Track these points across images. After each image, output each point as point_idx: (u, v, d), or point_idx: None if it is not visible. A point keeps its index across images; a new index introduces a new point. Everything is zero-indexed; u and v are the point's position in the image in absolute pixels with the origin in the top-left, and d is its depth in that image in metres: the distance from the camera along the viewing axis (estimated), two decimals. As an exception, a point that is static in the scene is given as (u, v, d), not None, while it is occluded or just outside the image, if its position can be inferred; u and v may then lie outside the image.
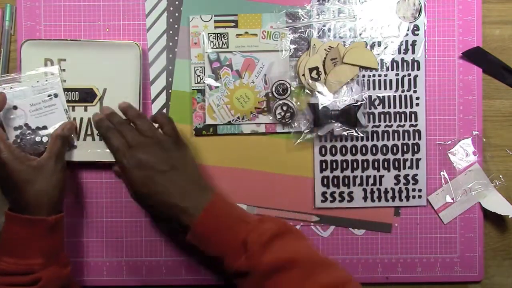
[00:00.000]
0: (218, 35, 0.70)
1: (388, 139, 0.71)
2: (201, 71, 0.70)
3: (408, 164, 0.71)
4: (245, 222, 0.57)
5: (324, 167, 0.71)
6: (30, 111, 0.67)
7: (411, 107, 0.71)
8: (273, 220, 0.59)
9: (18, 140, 0.66)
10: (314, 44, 0.70)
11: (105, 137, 0.64)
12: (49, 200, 0.59)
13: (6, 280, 0.55)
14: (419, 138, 0.71)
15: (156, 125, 0.65)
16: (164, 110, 0.71)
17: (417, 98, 0.71)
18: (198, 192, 0.60)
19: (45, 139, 0.67)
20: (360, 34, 0.71)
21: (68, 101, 0.69)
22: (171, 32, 0.71)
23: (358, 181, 0.71)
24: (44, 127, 0.67)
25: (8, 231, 0.58)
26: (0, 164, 0.58)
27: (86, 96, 0.69)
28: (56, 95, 0.68)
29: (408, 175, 0.71)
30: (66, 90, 0.69)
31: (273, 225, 0.57)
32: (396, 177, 0.71)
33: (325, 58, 0.70)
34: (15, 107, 0.67)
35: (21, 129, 0.67)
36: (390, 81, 0.71)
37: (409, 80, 0.71)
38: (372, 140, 0.71)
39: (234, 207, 0.60)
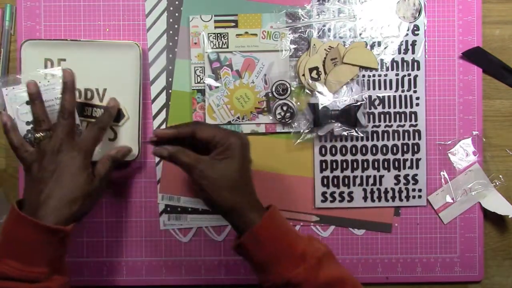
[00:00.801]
0: (218, 35, 0.70)
1: (388, 139, 0.71)
2: (201, 71, 0.70)
3: (408, 164, 0.71)
4: (300, 236, 0.58)
5: (324, 167, 0.71)
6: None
7: (411, 107, 0.71)
8: (319, 240, 0.61)
9: (29, 135, 0.67)
10: (314, 44, 0.70)
11: (174, 156, 0.58)
12: (76, 211, 0.57)
13: (8, 285, 0.51)
14: (419, 138, 0.71)
15: None
16: (164, 110, 0.71)
17: (417, 98, 0.71)
18: (256, 196, 0.60)
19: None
20: (360, 34, 0.71)
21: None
22: (171, 32, 0.71)
23: (358, 181, 0.71)
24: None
25: (17, 233, 0.53)
26: (72, 157, 0.58)
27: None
28: None
29: (408, 175, 0.71)
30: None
31: (322, 245, 0.58)
32: (396, 177, 0.71)
33: (325, 58, 0.70)
34: (27, 103, 0.67)
35: (33, 124, 0.67)
36: (390, 81, 0.71)
37: (409, 80, 0.71)
38: (372, 140, 0.71)
39: (287, 221, 0.60)
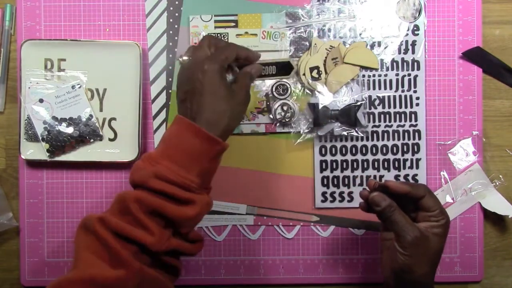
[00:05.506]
0: (218, 35, 0.70)
1: (388, 139, 0.71)
2: (201, 71, 0.70)
3: (408, 164, 0.71)
4: None
5: (324, 167, 0.71)
6: (56, 103, 0.69)
7: (411, 107, 0.71)
8: None
9: (46, 132, 0.68)
10: (315, 44, 0.70)
11: (390, 211, 0.56)
12: (226, 125, 0.54)
13: (164, 187, 0.50)
14: (419, 138, 0.71)
15: None
16: (164, 110, 0.71)
17: (417, 98, 0.71)
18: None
19: (70, 130, 0.68)
20: (360, 34, 0.71)
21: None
22: (171, 32, 0.71)
23: (358, 181, 0.71)
24: (70, 118, 0.69)
25: (182, 138, 0.52)
26: (204, 71, 0.53)
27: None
28: (80, 86, 0.69)
29: (408, 175, 0.71)
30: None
31: None
32: (396, 177, 0.71)
33: (326, 57, 0.70)
34: (41, 100, 0.68)
35: (49, 121, 0.68)
36: (390, 81, 0.71)
37: (409, 80, 0.71)
38: (372, 140, 0.71)
39: None
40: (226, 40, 0.70)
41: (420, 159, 0.71)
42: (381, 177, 0.71)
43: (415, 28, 0.71)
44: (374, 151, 0.71)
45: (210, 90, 0.53)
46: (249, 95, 0.58)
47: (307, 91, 0.70)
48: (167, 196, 0.50)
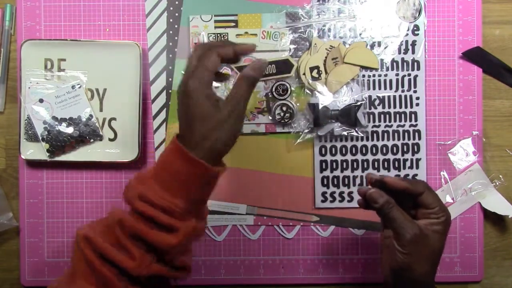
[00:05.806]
0: (218, 35, 0.70)
1: (388, 139, 0.71)
2: (201, 71, 0.70)
3: (408, 164, 0.71)
4: None
5: (324, 167, 0.71)
6: (56, 103, 0.69)
7: (411, 107, 0.71)
8: None
9: (46, 132, 0.68)
10: (315, 44, 0.70)
11: (388, 208, 0.54)
12: (210, 147, 0.49)
13: (147, 210, 0.48)
14: (419, 138, 0.71)
15: None
16: (164, 110, 0.71)
17: (417, 98, 0.71)
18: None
19: (70, 130, 0.68)
20: (360, 34, 0.71)
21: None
22: (171, 32, 0.71)
23: (358, 181, 0.71)
24: (70, 118, 0.69)
25: (168, 159, 0.49)
26: (185, 92, 0.49)
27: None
28: (80, 86, 0.69)
29: (408, 175, 0.71)
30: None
31: None
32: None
33: (326, 57, 0.70)
34: (41, 100, 0.68)
35: (49, 121, 0.69)
36: (390, 81, 0.71)
37: (409, 80, 0.71)
38: (372, 140, 0.71)
39: None
40: (226, 39, 0.69)
41: (420, 159, 0.71)
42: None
43: (415, 28, 0.71)
44: (374, 151, 0.71)
45: (193, 111, 0.49)
46: (242, 107, 0.51)
47: (307, 91, 0.70)
48: (149, 220, 0.49)
